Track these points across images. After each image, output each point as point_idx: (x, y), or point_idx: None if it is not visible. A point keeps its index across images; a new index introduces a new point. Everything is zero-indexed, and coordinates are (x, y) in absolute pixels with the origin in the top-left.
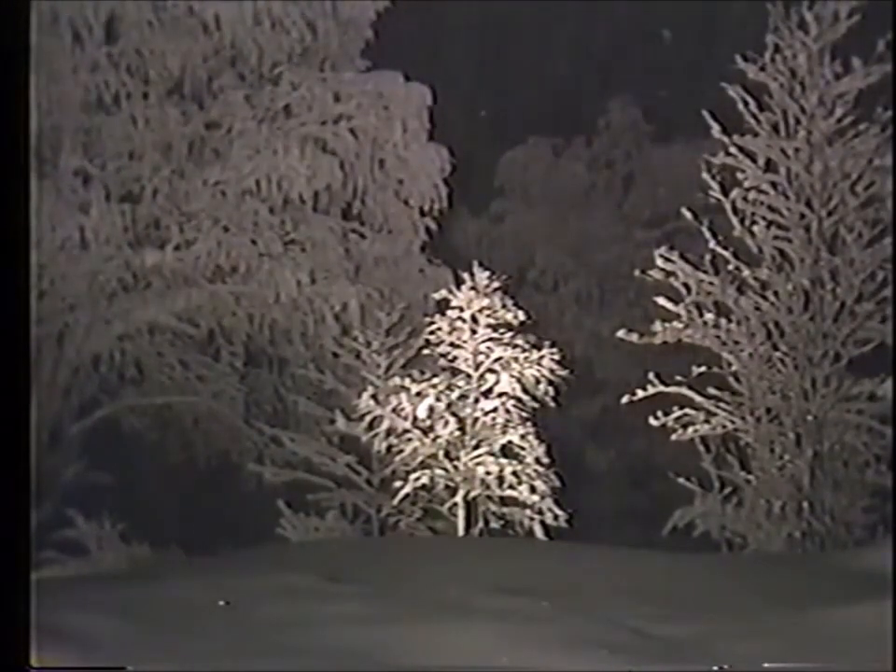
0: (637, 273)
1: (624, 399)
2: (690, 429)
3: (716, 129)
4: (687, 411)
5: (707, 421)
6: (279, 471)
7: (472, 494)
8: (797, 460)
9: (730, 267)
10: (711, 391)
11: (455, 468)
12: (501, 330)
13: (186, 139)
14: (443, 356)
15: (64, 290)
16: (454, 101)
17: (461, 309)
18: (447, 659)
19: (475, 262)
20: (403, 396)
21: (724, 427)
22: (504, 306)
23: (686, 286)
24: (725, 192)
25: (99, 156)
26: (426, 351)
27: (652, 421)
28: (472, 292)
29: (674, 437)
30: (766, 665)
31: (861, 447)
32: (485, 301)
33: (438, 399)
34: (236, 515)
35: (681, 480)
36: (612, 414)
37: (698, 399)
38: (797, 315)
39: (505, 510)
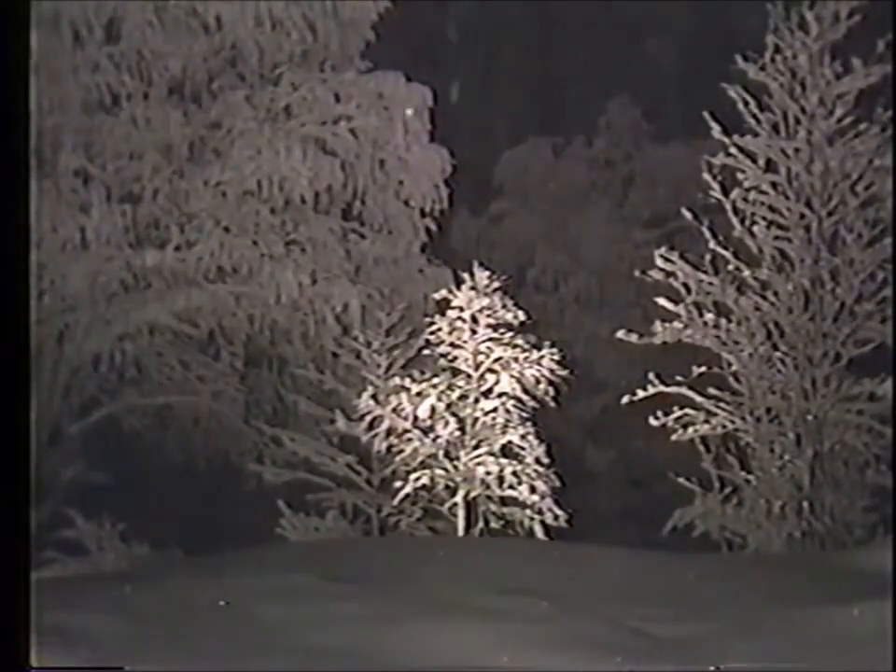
0: (637, 273)
1: (624, 399)
2: (690, 429)
3: (716, 129)
4: (687, 411)
5: (706, 421)
6: (279, 471)
7: (472, 494)
8: (797, 460)
9: (730, 267)
10: (711, 391)
11: (455, 468)
12: (501, 330)
13: (186, 139)
14: (443, 356)
15: (65, 290)
16: (454, 101)
17: (461, 309)
18: (447, 659)
19: (475, 262)
20: (403, 396)
21: (724, 427)
22: (504, 306)
23: (686, 286)
24: (725, 192)
25: (99, 156)
26: (426, 351)
27: (652, 421)
28: (472, 292)
29: (674, 437)
30: (767, 665)
31: (861, 447)
32: (485, 301)
33: (438, 399)
34: (236, 515)
35: (681, 480)
36: (612, 414)
37: (698, 399)
38: (797, 314)
39: (505, 510)
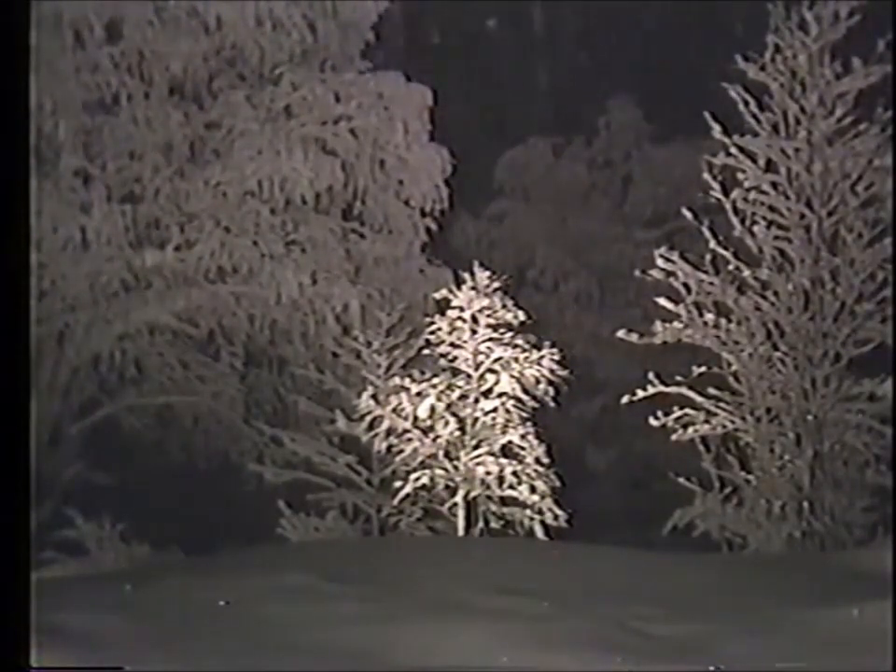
0: (637, 272)
1: (624, 399)
2: (690, 429)
3: (716, 129)
4: (687, 411)
5: (707, 421)
6: (279, 471)
7: (472, 494)
8: (797, 460)
9: (730, 267)
10: (711, 391)
11: (455, 468)
12: (501, 330)
13: (186, 140)
14: (443, 356)
15: (65, 290)
16: (454, 101)
17: (461, 309)
18: (447, 659)
19: (475, 262)
20: (403, 396)
21: (724, 427)
22: (504, 306)
23: (686, 286)
24: (725, 192)
25: (99, 156)
26: (426, 351)
27: (652, 421)
28: (472, 292)
29: (674, 437)
30: (767, 665)
31: (861, 447)
32: (485, 301)
33: (438, 399)
34: (236, 515)
35: (681, 480)
36: (612, 414)
37: (698, 399)
38: (797, 314)
39: (505, 510)
